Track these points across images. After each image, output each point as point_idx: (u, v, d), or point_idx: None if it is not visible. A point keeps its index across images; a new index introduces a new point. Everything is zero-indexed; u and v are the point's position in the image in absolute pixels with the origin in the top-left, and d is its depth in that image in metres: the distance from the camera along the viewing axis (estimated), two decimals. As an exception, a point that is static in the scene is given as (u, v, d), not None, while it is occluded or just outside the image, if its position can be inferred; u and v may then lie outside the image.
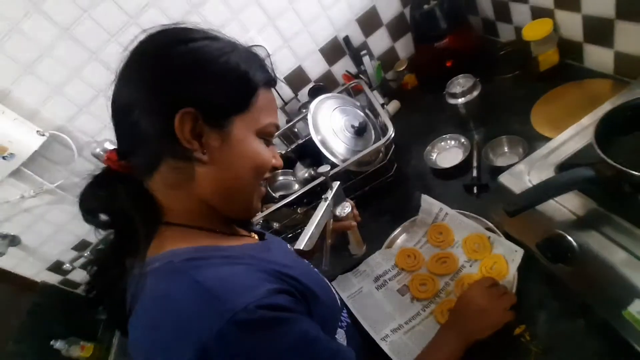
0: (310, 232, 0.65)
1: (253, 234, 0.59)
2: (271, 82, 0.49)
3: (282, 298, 0.40)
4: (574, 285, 0.56)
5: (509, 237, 0.69)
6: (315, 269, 0.62)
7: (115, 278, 0.45)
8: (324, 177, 0.76)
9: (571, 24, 0.85)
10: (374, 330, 0.68)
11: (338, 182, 0.75)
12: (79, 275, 1.49)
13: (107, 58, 1.03)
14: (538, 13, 0.93)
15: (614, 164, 0.47)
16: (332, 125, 0.94)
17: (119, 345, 1.42)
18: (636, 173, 0.45)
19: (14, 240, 1.29)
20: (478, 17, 1.20)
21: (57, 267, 1.43)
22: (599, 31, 0.79)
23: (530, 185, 0.59)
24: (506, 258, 0.67)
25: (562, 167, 0.59)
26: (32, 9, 0.92)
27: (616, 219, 0.51)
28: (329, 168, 0.77)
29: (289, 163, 1.20)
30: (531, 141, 0.81)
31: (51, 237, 1.34)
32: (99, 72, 1.05)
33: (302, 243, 0.64)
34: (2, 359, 1.22)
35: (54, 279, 1.46)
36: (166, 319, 0.37)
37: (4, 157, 0.98)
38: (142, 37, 0.44)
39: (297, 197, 0.93)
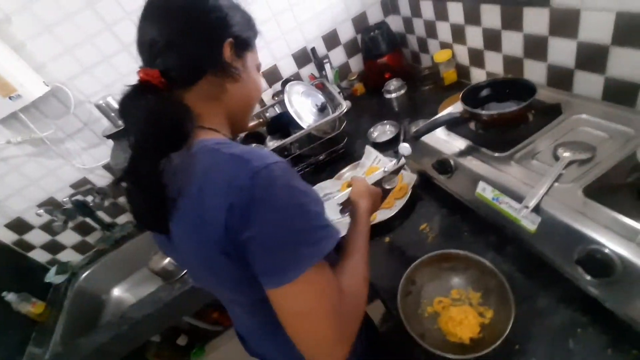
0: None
1: None
2: (259, 33, 0.64)
3: (290, 167, 0.49)
4: (453, 189, 0.90)
5: (413, 171, 1.05)
6: None
7: (154, 171, 0.50)
8: (403, 155, 0.86)
9: (462, 53, 1.30)
10: (339, 198, 0.93)
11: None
12: (37, 237, 1.51)
13: (119, 31, 1.25)
14: (443, 45, 1.38)
15: (469, 108, 0.84)
16: (301, 103, 1.24)
17: (70, 308, 1.44)
18: (480, 112, 0.82)
19: (-20, 190, 1.32)
20: (408, 50, 1.66)
21: (16, 225, 1.45)
22: (477, 57, 1.24)
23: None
24: (407, 182, 1.02)
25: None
26: (66, -20, 1.12)
27: (474, 146, 0.87)
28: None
29: (260, 139, 1.46)
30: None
31: (20, 191, 1.39)
32: (109, 42, 1.24)
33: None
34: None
35: (9, 237, 1.46)
36: (215, 181, 0.46)
37: (10, 98, 1.10)
38: None
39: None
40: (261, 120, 1.42)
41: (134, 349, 1.24)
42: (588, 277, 0.58)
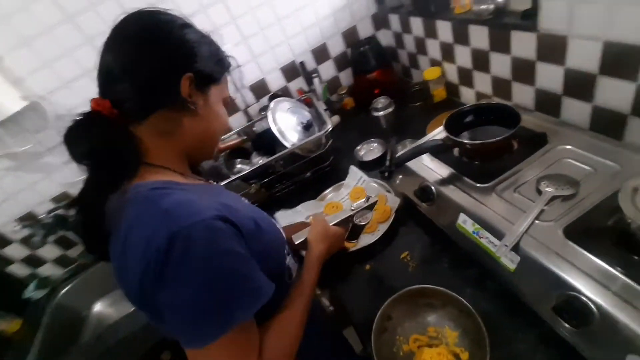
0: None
1: (210, 181, 0.71)
2: (230, 66, 0.62)
3: (221, 224, 0.46)
4: (435, 218, 0.87)
5: (398, 194, 1.01)
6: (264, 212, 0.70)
7: (97, 206, 0.50)
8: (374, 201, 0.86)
9: (451, 72, 1.28)
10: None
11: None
12: (16, 251, 1.48)
13: (101, 44, 1.21)
14: (433, 63, 1.35)
15: (452, 136, 0.81)
16: (286, 120, 1.22)
17: (48, 324, 1.40)
18: (462, 140, 0.80)
19: (-43, 204, 1.29)
20: (399, 64, 1.64)
21: (-6, 240, 1.42)
22: (466, 77, 1.22)
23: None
24: (391, 206, 0.99)
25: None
26: (45, -6, 1.10)
27: (456, 174, 0.84)
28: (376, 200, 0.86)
29: (245, 154, 1.44)
30: (424, 144, 1.17)
31: (-2, 206, 1.35)
32: (90, 55, 1.21)
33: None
34: None
35: (-14, 251, 1.43)
36: (136, 237, 0.46)
37: (-15, 113, 1.07)
38: (134, 14, 0.54)
39: (251, 174, 1.18)
40: (245, 137, 1.40)
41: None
42: (566, 325, 0.56)
